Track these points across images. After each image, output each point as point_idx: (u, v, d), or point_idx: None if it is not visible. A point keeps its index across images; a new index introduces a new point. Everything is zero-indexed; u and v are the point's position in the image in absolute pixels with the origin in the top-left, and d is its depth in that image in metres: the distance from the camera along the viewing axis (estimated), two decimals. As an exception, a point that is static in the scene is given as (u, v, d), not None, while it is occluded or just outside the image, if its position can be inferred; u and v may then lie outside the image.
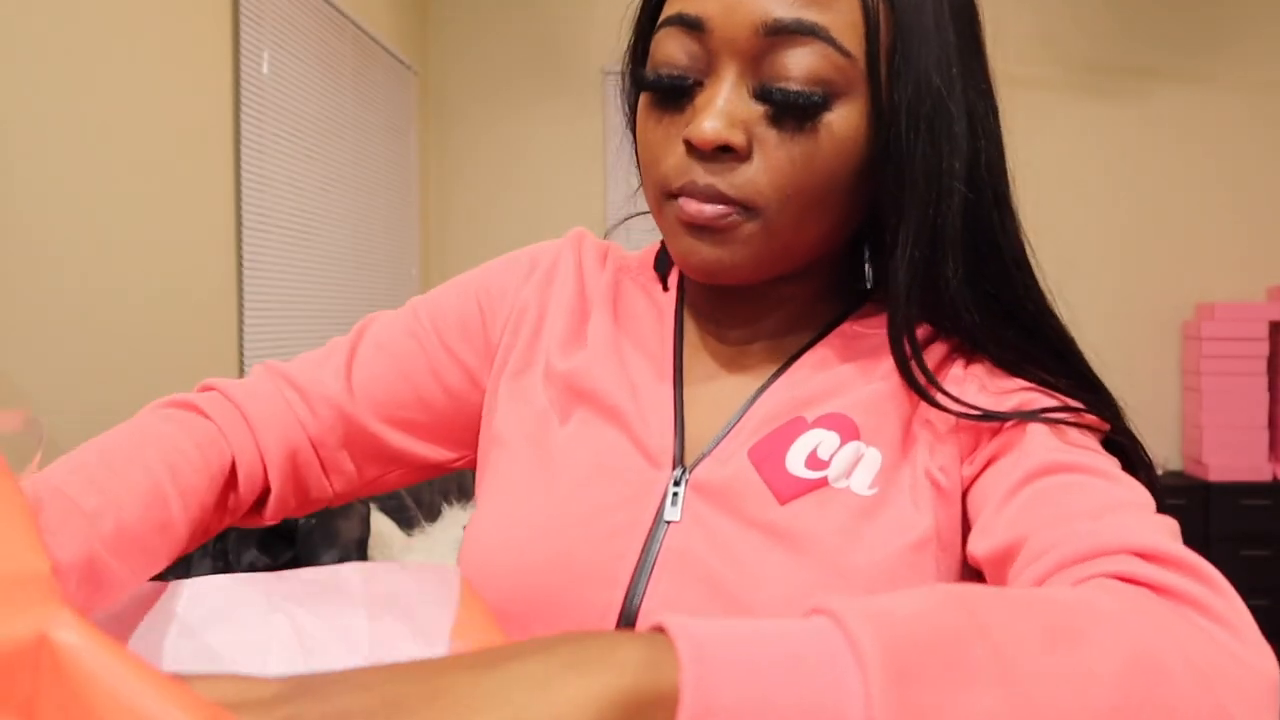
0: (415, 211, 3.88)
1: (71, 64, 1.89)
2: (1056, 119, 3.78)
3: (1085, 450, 0.52)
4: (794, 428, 0.58)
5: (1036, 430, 0.53)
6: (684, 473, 0.58)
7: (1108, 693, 0.34)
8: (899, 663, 0.32)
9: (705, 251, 0.56)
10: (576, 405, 0.63)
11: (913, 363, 0.56)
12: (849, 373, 0.60)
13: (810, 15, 0.53)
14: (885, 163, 0.55)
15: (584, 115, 3.98)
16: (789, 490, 0.55)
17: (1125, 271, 3.86)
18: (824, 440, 0.57)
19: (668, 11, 0.57)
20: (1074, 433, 0.53)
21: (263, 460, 0.63)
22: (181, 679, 0.29)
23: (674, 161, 0.56)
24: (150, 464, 0.54)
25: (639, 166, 0.61)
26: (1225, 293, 3.84)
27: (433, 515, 2.86)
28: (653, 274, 0.69)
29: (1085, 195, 3.80)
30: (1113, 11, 3.84)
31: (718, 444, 0.59)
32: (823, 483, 0.55)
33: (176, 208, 2.26)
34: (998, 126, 0.59)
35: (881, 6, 0.54)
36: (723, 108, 0.54)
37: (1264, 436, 3.64)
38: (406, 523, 2.66)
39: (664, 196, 0.58)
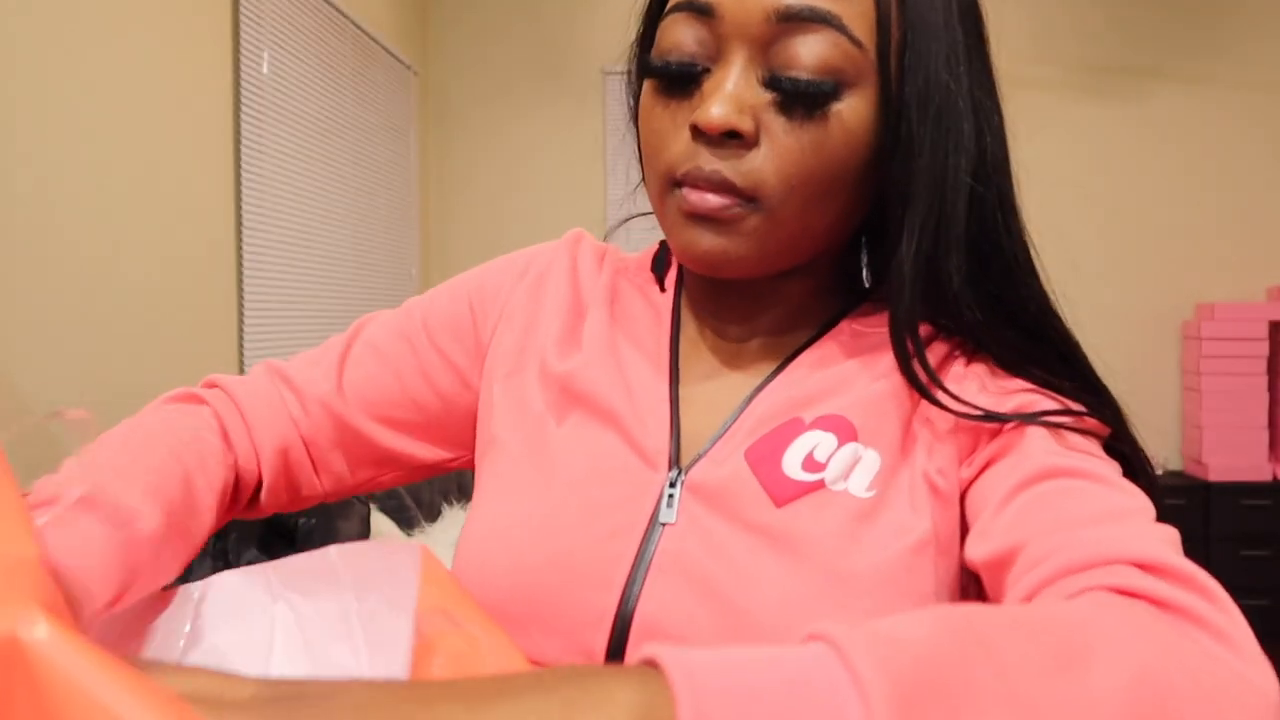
0: (415, 211, 3.88)
1: (71, 64, 1.89)
2: (1056, 119, 3.78)
3: (1085, 455, 0.52)
4: (791, 428, 0.57)
5: (1036, 433, 0.53)
6: (679, 474, 0.57)
7: (1115, 715, 0.34)
8: (902, 692, 0.31)
9: (708, 243, 0.56)
10: (572, 407, 0.63)
11: (914, 360, 0.56)
12: (848, 372, 0.59)
13: (823, 3, 0.53)
14: (893, 155, 0.55)
15: (584, 115, 3.98)
16: (785, 493, 0.55)
17: (1125, 271, 3.86)
18: (821, 442, 0.56)
19: None
20: (1074, 437, 0.53)
21: (257, 456, 0.64)
22: (159, 675, 0.29)
23: (679, 148, 0.55)
24: (179, 453, 0.55)
25: (641, 159, 0.60)
26: (1225, 293, 3.84)
27: (433, 515, 2.86)
28: (649, 275, 0.69)
29: (1085, 195, 3.79)
30: (1112, 12, 3.84)
31: (714, 444, 0.58)
32: (820, 485, 0.55)
33: (176, 208, 2.26)
34: (1002, 129, 0.59)
35: (893, 0, 0.54)
36: (731, 92, 0.53)
37: (1264, 436, 3.64)
38: (406, 523, 2.66)
39: (667, 186, 0.57)
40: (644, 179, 0.60)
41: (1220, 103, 3.83)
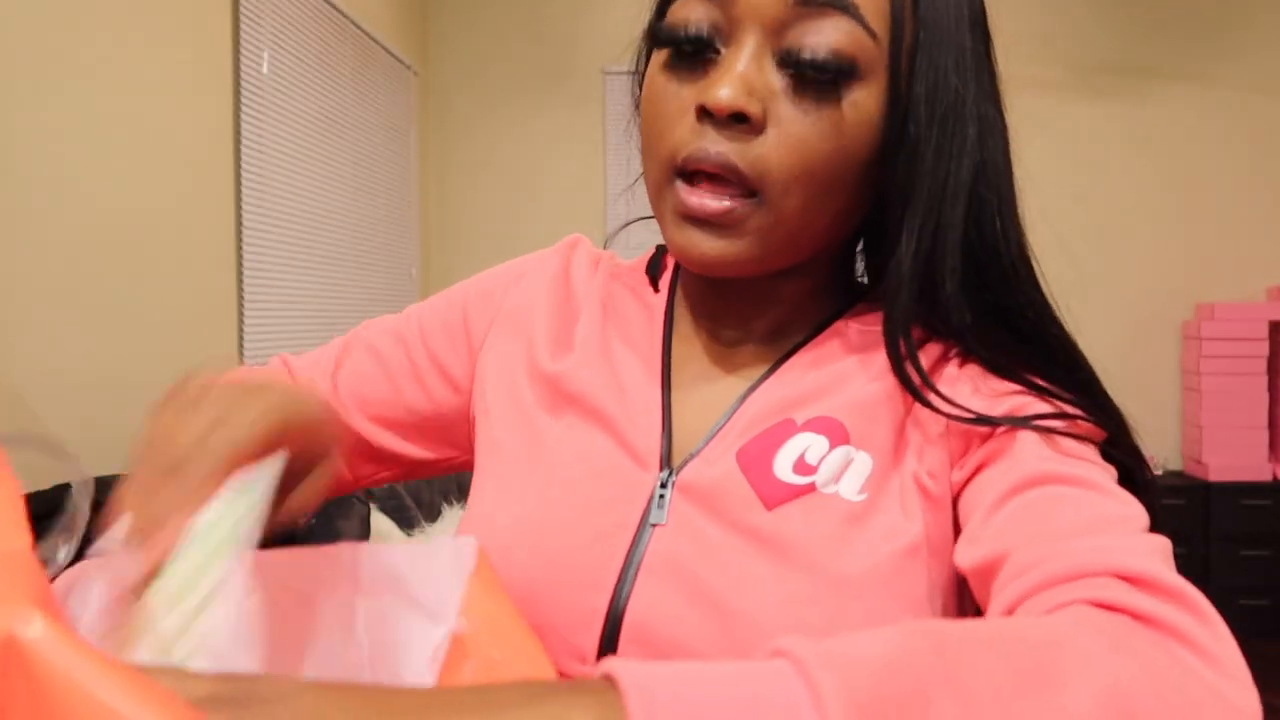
0: (415, 211, 3.88)
1: (71, 64, 1.89)
2: (1056, 119, 3.78)
3: (1079, 461, 0.51)
4: (783, 430, 0.57)
5: (1028, 438, 0.52)
6: (670, 474, 0.57)
7: None
8: (861, 709, 0.31)
9: (705, 245, 0.55)
10: (564, 408, 0.63)
11: (907, 361, 0.55)
12: (841, 372, 0.59)
13: None
14: (896, 154, 0.55)
15: (584, 115, 3.98)
16: (776, 495, 0.54)
17: (1125, 271, 3.86)
18: (813, 444, 0.56)
19: None
20: (1068, 441, 0.52)
21: None
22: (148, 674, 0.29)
23: (684, 131, 0.54)
24: None
25: (642, 147, 0.59)
26: (1225, 293, 3.84)
27: (433, 515, 2.86)
28: (644, 277, 0.68)
29: (1085, 195, 3.79)
30: (1112, 12, 3.84)
31: (706, 444, 0.58)
32: (811, 488, 0.54)
33: (176, 208, 2.25)
34: (1006, 140, 0.59)
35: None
36: (741, 74, 0.53)
37: (1264, 436, 3.64)
38: (406, 523, 2.66)
39: (667, 176, 0.56)
40: (644, 171, 0.59)
41: (1220, 103, 3.83)
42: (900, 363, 0.55)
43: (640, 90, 0.61)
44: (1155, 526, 0.48)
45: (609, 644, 0.53)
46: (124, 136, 2.06)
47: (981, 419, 0.53)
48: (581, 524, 0.57)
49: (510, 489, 0.61)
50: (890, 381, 0.57)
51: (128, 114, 2.07)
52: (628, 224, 0.74)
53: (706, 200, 0.54)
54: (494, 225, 3.99)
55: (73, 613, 0.37)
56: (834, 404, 0.57)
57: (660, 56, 0.57)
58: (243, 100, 2.52)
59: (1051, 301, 0.59)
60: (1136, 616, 0.39)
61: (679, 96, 0.55)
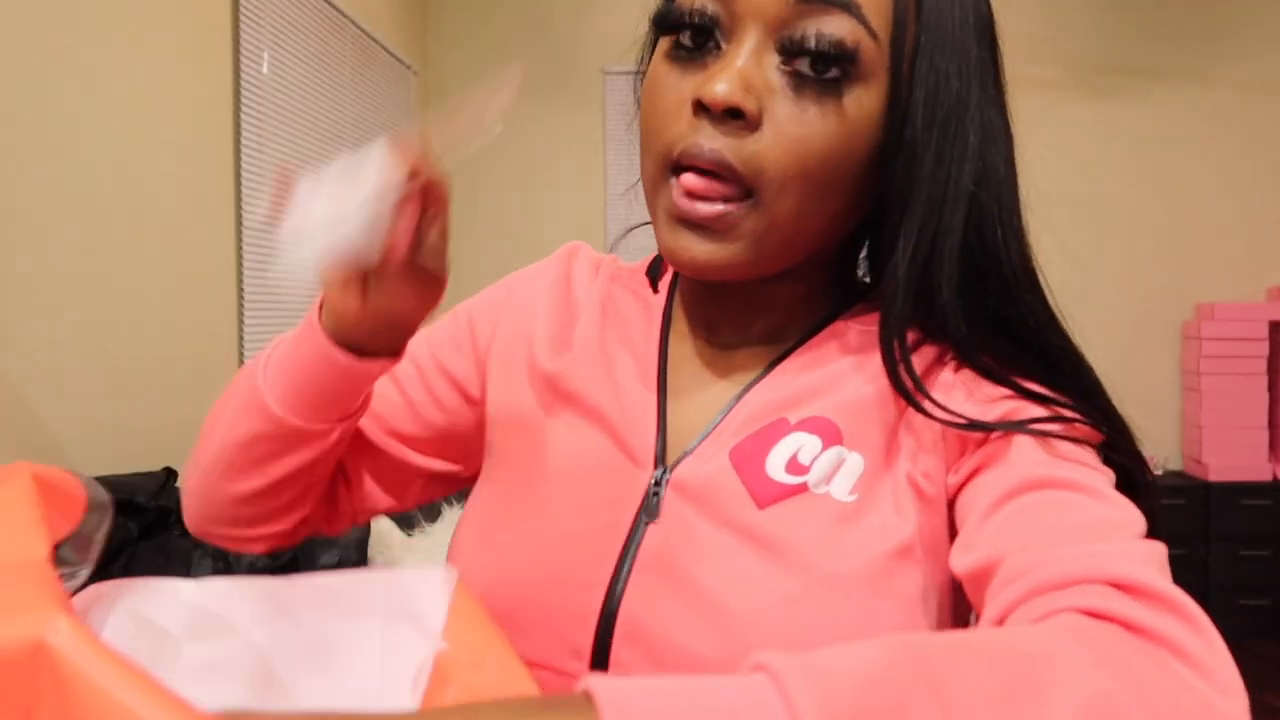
0: (415, 211, 3.87)
1: (72, 64, 1.89)
2: (1056, 119, 3.78)
3: (1075, 464, 0.50)
4: (777, 429, 0.57)
5: (1024, 442, 0.51)
6: (665, 472, 0.57)
7: None
8: None
9: (696, 248, 0.54)
10: (561, 406, 0.63)
11: (901, 366, 0.55)
12: (836, 373, 0.59)
13: None
14: (895, 157, 0.55)
15: (584, 115, 3.98)
16: (768, 495, 0.54)
17: (1125, 271, 3.86)
18: (805, 444, 0.56)
19: None
20: (1065, 445, 0.51)
21: None
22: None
23: (680, 126, 0.54)
24: None
25: (640, 140, 0.59)
26: (1225, 293, 3.84)
27: (433, 515, 2.86)
28: (644, 279, 0.69)
29: (1085, 195, 3.79)
30: (1113, 11, 3.84)
31: (700, 442, 0.58)
32: (803, 488, 0.54)
33: (177, 208, 2.26)
34: (1010, 149, 0.58)
35: (910, 1, 0.54)
36: (739, 70, 0.52)
37: (1264, 436, 3.64)
38: (406, 523, 2.66)
39: (662, 171, 0.56)
40: (641, 165, 0.59)
41: (1220, 103, 3.83)
42: (894, 367, 0.55)
43: (640, 85, 0.61)
44: (1156, 530, 0.48)
45: (604, 640, 0.54)
46: (124, 136, 2.06)
47: (974, 425, 0.53)
48: (576, 521, 0.57)
49: (506, 485, 0.62)
50: (885, 383, 0.57)
51: (128, 114, 2.07)
52: (631, 229, 0.74)
53: (699, 204, 0.54)
54: (493, 225, 3.98)
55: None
56: (828, 405, 0.57)
57: (663, 45, 0.57)
58: (243, 100, 2.52)
59: (1056, 311, 0.58)
60: (1127, 625, 0.38)
61: (678, 89, 0.55)
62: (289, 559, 2.03)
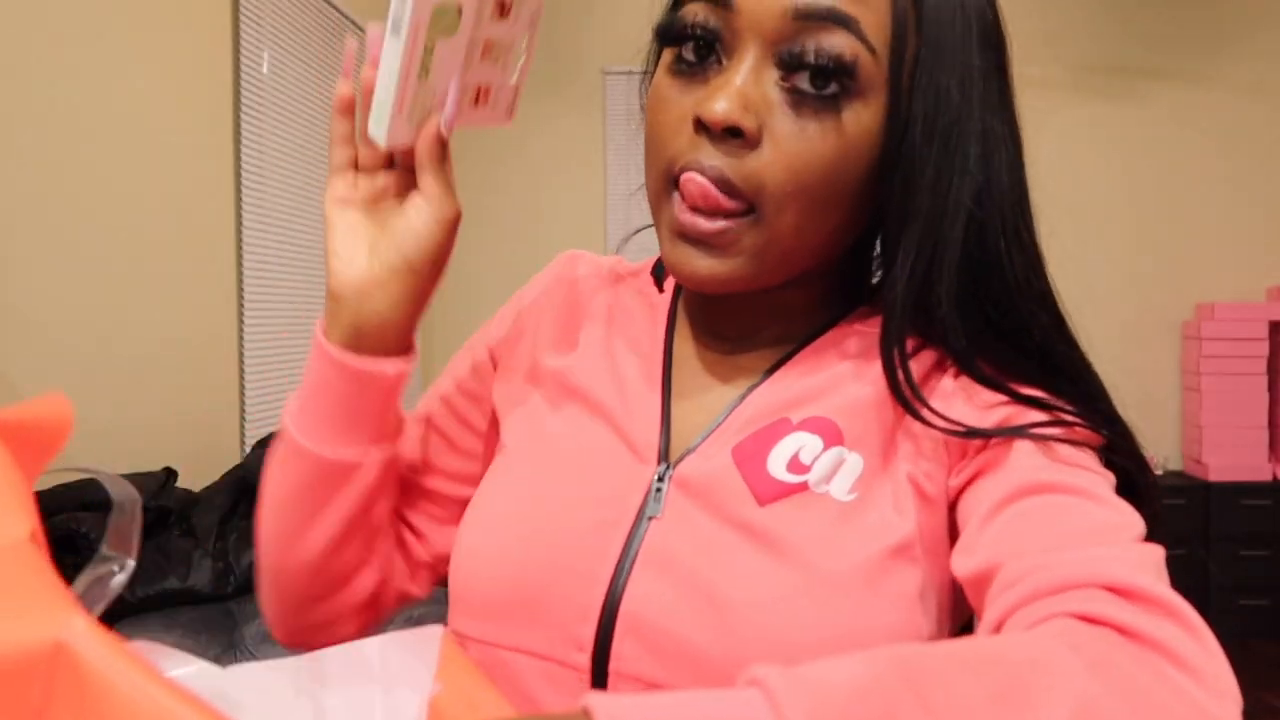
0: (415, 211, 3.87)
1: (72, 64, 1.89)
2: (1057, 119, 3.79)
3: (1074, 468, 0.50)
4: (779, 429, 0.57)
5: (1023, 446, 0.52)
6: (668, 468, 0.58)
7: None
8: None
9: (698, 263, 0.55)
10: (565, 403, 0.64)
11: (900, 375, 0.55)
12: (838, 374, 0.59)
13: (842, 5, 0.52)
14: (894, 171, 0.55)
15: (584, 116, 3.98)
16: (769, 493, 0.55)
17: (1125, 271, 3.86)
18: (807, 444, 0.56)
19: None
20: (1064, 449, 0.51)
21: None
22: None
23: (682, 141, 0.55)
24: None
25: (645, 156, 0.60)
26: (1225, 293, 3.84)
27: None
28: (649, 278, 0.69)
29: (1085, 195, 3.80)
30: (1113, 11, 3.85)
31: (703, 440, 0.59)
32: (803, 487, 0.55)
33: (177, 208, 2.26)
34: (1018, 159, 0.58)
35: (910, 14, 0.54)
36: (739, 88, 0.53)
37: (1264, 436, 3.64)
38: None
39: (665, 184, 0.56)
40: (645, 178, 0.60)
41: (1221, 103, 3.84)
42: (894, 375, 0.55)
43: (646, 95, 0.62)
44: (1157, 532, 0.48)
45: (606, 633, 0.54)
46: (124, 136, 2.06)
47: (973, 432, 0.53)
48: (579, 516, 0.58)
49: (510, 480, 0.62)
50: (885, 385, 0.57)
51: (128, 114, 2.07)
52: (635, 232, 0.75)
53: (700, 220, 0.54)
54: (493, 225, 3.99)
55: None
56: (830, 405, 0.58)
57: (667, 58, 0.58)
58: (243, 100, 2.52)
59: (1066, 318, 0.58)
60: (1121, 630, 0.39)
61: (679, 104, 0.56)
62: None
